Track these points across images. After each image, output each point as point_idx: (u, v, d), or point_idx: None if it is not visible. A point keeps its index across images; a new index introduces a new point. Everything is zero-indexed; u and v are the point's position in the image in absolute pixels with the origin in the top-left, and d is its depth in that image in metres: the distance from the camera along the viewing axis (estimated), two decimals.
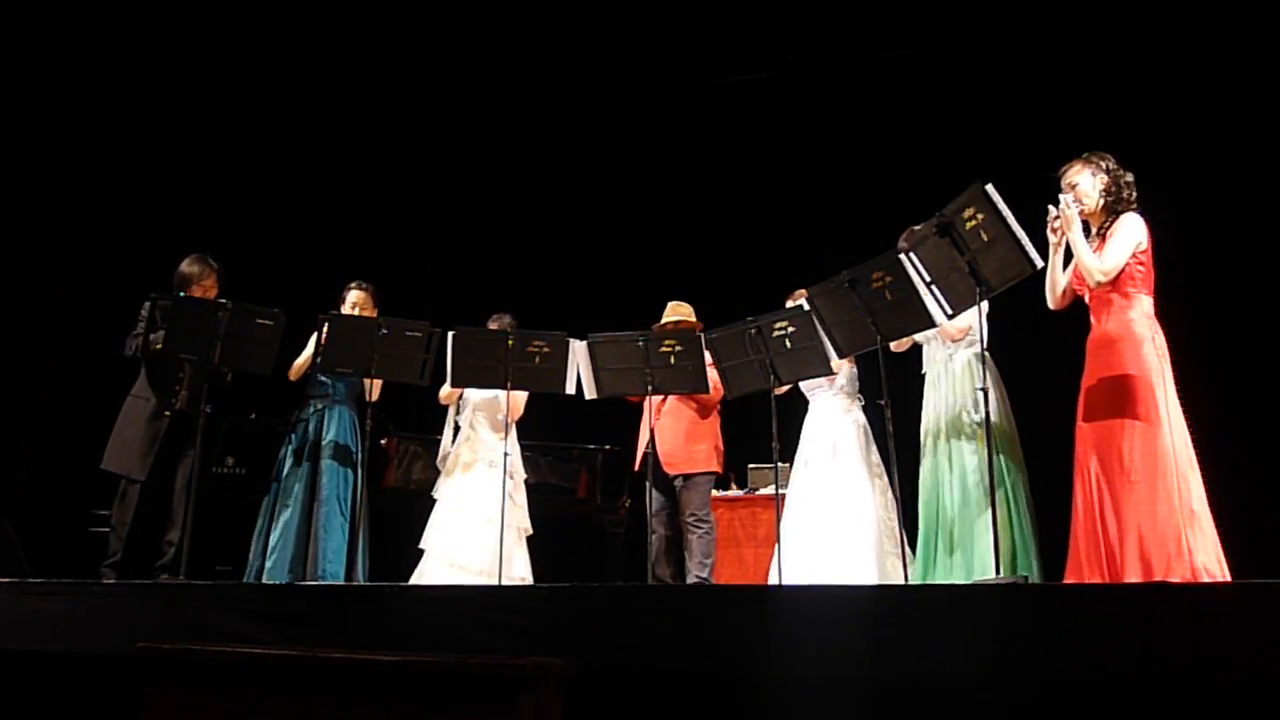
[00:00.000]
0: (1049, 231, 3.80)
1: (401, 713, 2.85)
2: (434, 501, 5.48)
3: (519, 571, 5.27)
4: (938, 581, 4.23)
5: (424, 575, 5.21)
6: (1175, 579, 3.40)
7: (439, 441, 6.40)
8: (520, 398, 5.39)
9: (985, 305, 4.30)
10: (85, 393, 6.01)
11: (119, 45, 6.74)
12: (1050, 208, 3.81)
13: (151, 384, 5.03)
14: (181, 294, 5.02)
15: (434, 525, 5.34)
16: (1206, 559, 3.47)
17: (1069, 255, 3.88)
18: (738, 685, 3.16)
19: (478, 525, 5.12)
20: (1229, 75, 6.12)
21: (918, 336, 4.53)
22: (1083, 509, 3.73)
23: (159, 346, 4.72)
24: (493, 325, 5.37)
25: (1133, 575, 3.51)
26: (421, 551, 5.33)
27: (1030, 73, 6.74)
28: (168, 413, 4.96)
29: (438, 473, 5.56)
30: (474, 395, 5.45)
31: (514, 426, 5.46)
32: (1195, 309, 5.35)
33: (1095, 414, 3.74)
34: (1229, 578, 3.51)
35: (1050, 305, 3.99)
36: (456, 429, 5.52)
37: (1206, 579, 3.41)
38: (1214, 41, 6.18)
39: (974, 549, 4.12)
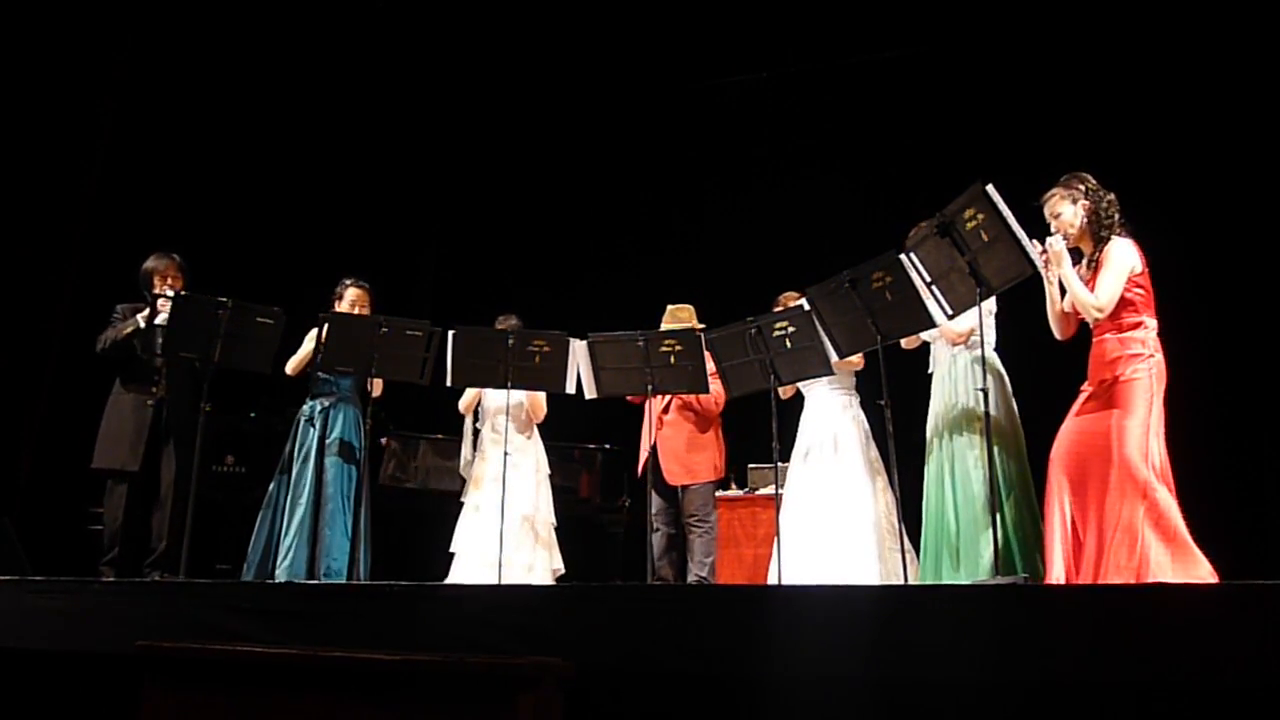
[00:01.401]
0: (1040, 267, 3.80)
1: (401, 712, 2.85)
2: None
3: (556, 563, 5.35)
4: (942, 579, 4.22)
5: (459, 578, 5.21)
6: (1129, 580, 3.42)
7: (434, 440, 6.43)
8: (541, 396, 5.41)
9: (993, 305, 4.32)
10: (84, 392, 6.00)
11: (119, 45, 6.74)
12: (1035, 243, 3.79)
13: (130, 379, 5.06)
14: (146, 292, 5.11)
15: (465, 529, 5.33)
16: (1158, 565, 3.46)
17: (1063, 287, 3.88)
18: (738, 685, 3.16)
19: (512, 524, 5.11)
20: (1222, 71, 6.12)
21: (925, 335, 4.53)
22: (1047, 508, 3.78)
23: (137, 336, 4.74)
24: (500, 326, 5.36)
25: (1087, 577, 3.55)
26: (449, 554, 5.32)
27: (1030, 72, 6.74)
28: (150, 403, 4.97)
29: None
30: (492, 401, 5.44)
31: (535, 426, 5.50)
32: (1192, 306, 5.36)
33: (1080, 414, 3.77)
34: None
35: (1058, 337, 3.98)
36: (476, 435, 5.52)
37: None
38: (1206, 40, 6.18)
39: (979, 555, 4.12)
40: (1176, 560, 3.46)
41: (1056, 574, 3.67)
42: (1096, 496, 3.62)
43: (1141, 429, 3.59)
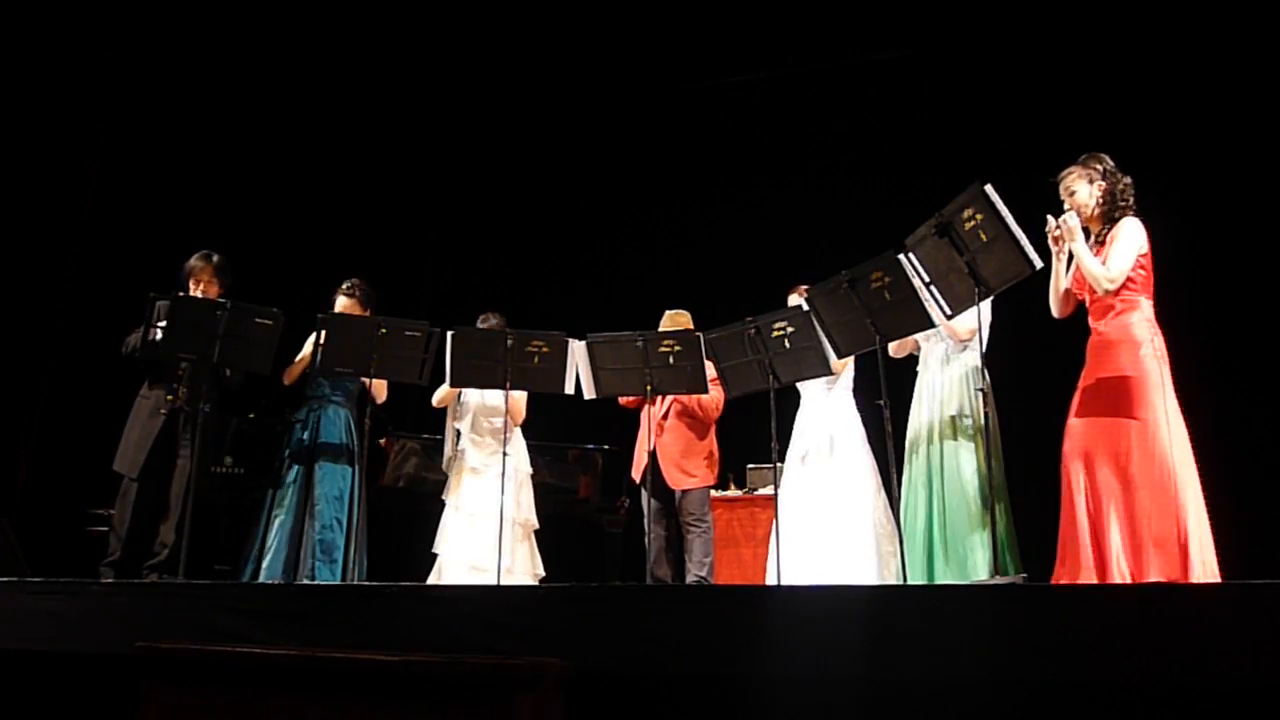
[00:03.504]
0: (1050, 242, 3.80)
1: (400, 713, 2.85)
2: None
3: (537, 568, 5.34)
4: (933, 572, 4.21)
5: (441, 579, 5.21)
6: (1171, 579, 3.40)
7: (433, 441, 6.43)
8: (520, 401, 5.40)
9: (989, 314, 4.32)
10: (84, 392, 6.01)
11: (119, 44, 6.75)
12: (1049, 218, 3.80)
13: (152, 382, 5.04)
14: (182, 291, 5.04)
15: (445, 530, 5.34)
16: (1199, 559, 3.46)
17: (1067, 264, 3.88)
18: (737, 685, 3.16)
19: (492, 527, 5.10)
20: (1226, 71, 6.13)
21: (917, 335, 4.52)
22: (1069, 508, 3.73)
23: (154, 340, 4.72)
24: (481, 326, 5.37)
25: (1126, 576, 3.51)
26: (432, 555, 5.33)
27: (1029, 73, 6.74)
28: (163, 410, 4.96)
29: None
30: (473, 400, 5.44)
31: (518, 426, 5.49)
32: (1194, 308, 5.35)
33: (1088, 413, 3.74)
34: (1219, 579, 3.50)
35: (1055, 314, 3.98)
36: (457, 434, 5.52)
37: (1202, 579, 3.41)
38: (1211, 38, 6.19)
39: (967, 555, 4.12)
40: (1209, 562, 3.46)
41: (1087, 574, 3.61)
42: (1125, 504, 3.57)
43: (1159, 423, 3.56)
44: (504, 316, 5.49)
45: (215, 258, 5.18)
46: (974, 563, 4.09)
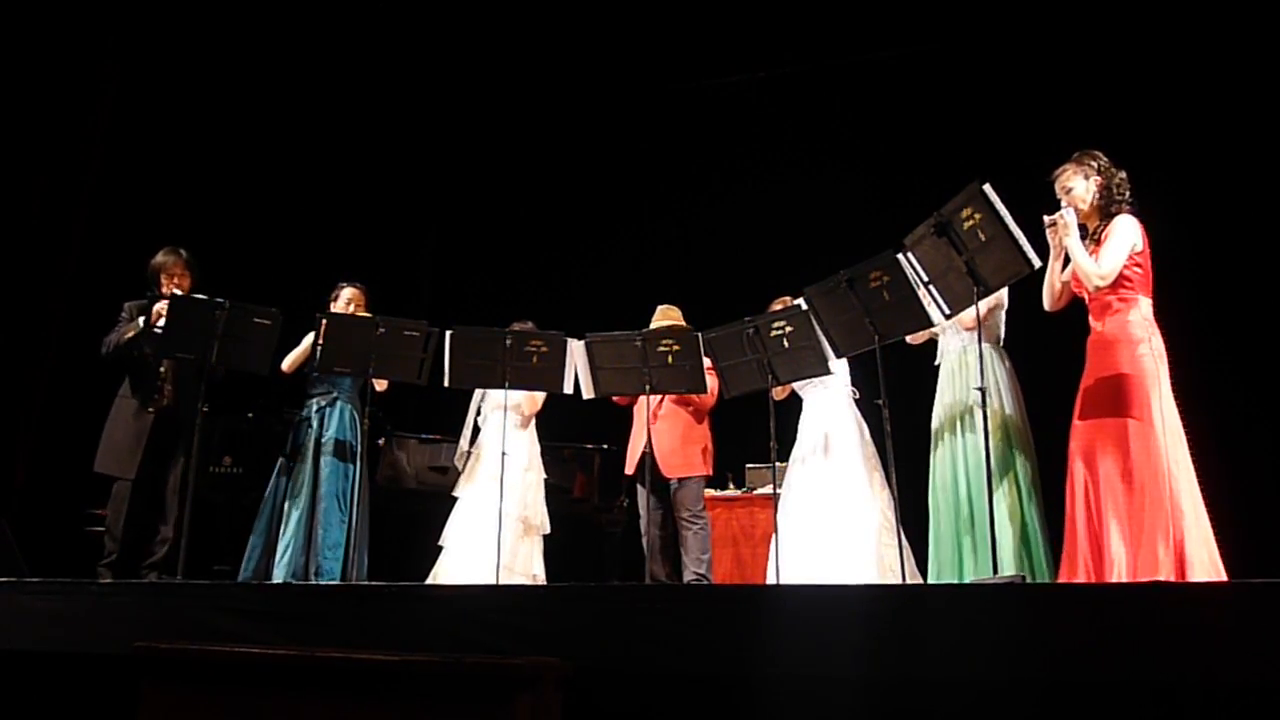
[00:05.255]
0: (1047, 234, 3.83)
1: (400, 712, 2.85)
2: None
3: (535, 569, 5.33)
4: (963, 568, 4.19)
5: (444, 572, 5.21)
6: (1167, 578, 3.41)
7: (433, 441, 6.44)
8: (539, 392, 5.39)
9: (1005, 300, 4.32)
10: (82, 392, 5.98)
11: (116, 43, 6.73)
12: (1048, 215, 3.82)
13: (133, 383, 5.03)
14: (152, 288, 5.06)
15: (455, 523, 5.34)
16: (1198, 557, 3.46)
17: (1066, 259, 3.89)
18: (736, 685, 3.16)
19: (495, 522, 5.09)
20: (1225, 71, 6.13)
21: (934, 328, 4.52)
22: (1071, 506, 3.76)
23: (140, 339, 4.72)
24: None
25: (1118, 574, 3.52)
26: (438, 548, 5.33)
27: (1028, 72, 6.74)
28: (151, 410, 4.95)
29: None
30: (494, 393, 5.44)
31: (533, 424, 5.50)
32: (1193, 307, 5.36)
33: (1090, 413, 3.76)
34: (1224, 577, 3.51)
35: (1047, 307, 4.02)
36: (475, 429, 5.52)
37: (1199, 577, 3.41)
38: (1210, 38, 6.19)
39: (1001, 545, 4.10)
40: (1211, 558, 3.47)
41: (1085, 573, 3.63)
42: (1124, 503, 3.58)
43: (1154, 426, 3.57)
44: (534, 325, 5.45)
45: (183, 252, 5.20)
46: (1004, 554, 4.06)
